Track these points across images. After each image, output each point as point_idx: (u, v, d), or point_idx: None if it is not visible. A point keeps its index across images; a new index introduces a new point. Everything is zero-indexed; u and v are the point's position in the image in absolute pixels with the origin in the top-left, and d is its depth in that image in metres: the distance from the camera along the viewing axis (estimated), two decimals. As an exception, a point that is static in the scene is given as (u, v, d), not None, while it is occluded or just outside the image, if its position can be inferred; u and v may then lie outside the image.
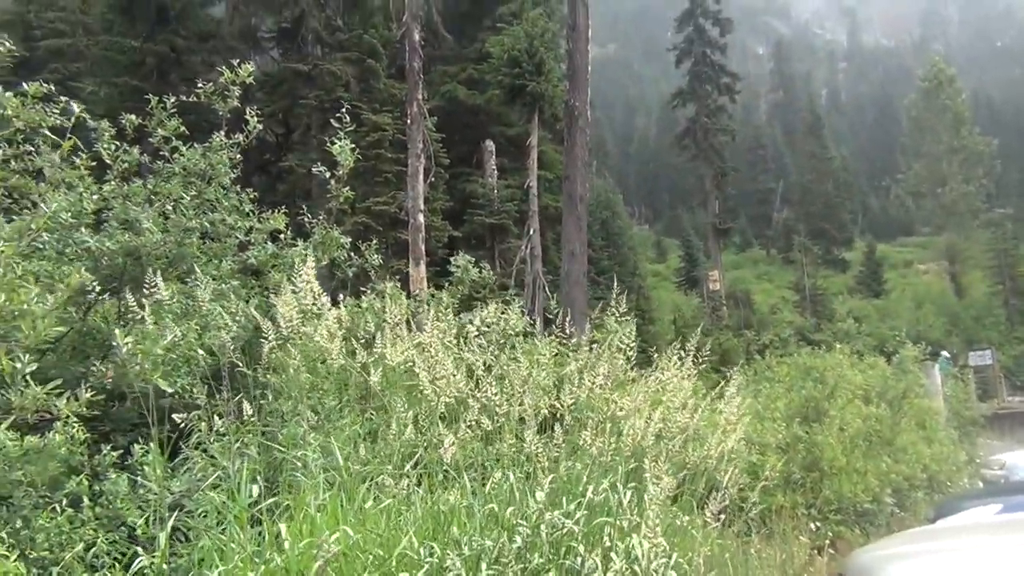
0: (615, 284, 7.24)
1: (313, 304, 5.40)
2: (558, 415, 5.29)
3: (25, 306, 2.79)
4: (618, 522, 4.30)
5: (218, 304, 6.00)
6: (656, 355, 6.57)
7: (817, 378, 11.93)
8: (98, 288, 5.13)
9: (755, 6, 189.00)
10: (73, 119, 6.41)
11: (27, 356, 2.92)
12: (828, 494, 9.10)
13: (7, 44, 6.00)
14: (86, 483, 4.27)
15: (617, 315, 6.70)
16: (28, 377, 3.03)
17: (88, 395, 3.45)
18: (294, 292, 5.47)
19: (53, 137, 6.27)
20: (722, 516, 4.86)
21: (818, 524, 8.68)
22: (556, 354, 7.02)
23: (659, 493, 4.30)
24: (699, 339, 6.22)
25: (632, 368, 6.36)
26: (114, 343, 3.97)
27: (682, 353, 6.15)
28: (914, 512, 10.48)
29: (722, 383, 6.79)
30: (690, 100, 55.37)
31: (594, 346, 6.07)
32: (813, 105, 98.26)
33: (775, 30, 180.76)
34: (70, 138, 6.41)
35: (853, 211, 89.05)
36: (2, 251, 2.95)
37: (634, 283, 44.42)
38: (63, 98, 6.45)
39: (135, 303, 4.98)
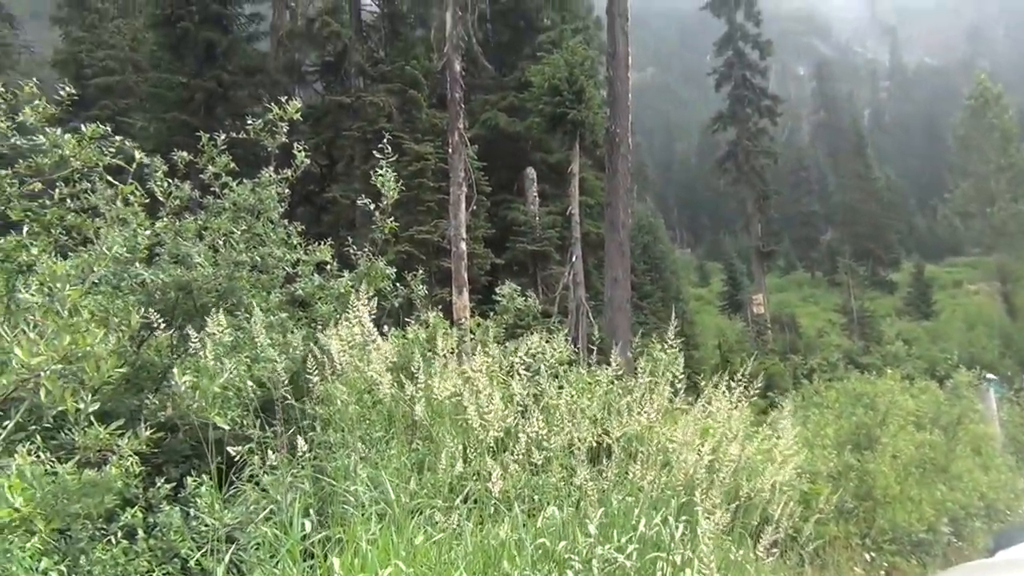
0: (659, 310, 7.16)
1: (363, 337, 5.44)
2: (606, 446, 5.25)
3: (89, 348, 2.86)
4: (671, 557, 4.25)
5: (267, 336, 6.08)
6: (701, 381, 6.51)
7: (868, 404, 11.69)
8: (160, 323, 5.23)
9: (795, 28, 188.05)
10: (126, 157, 6.57)
11: (90, 396, 2.99)
12: (882, 524, 8.87)
13: (68, 88, 6.18)
14: (140, 515, 4.32)
15: (664, 344, 6.64)
16: (92, 416, 3.11)
17: (148, 432, 3.52)
18: (348, 325, 5.52)
19: (110, 179, 6.43)
20: (775, 549, 4.79)
21: (873, 555, 8.48)
22: (603, 383, 6.98)
23: (712, 527, 4.24)
24: (745, 365, 6.15)
25: (679, 397, 6.30)
26: (172, 380, 4.05)
27: (729, 382, 6.08)
28: (971, 542, 10.18)
29: (771, 410, 6.70)
30: (731, 123, 55.03)
31: (641, 375, 6.02)
32: (856, 125, 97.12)
33: (816, 50, 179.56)
34: (131, 182, 6.56)
35: (900, 232, 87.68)
36: (68, 295, 3.03)
37: (677, 308, 44.07)
38: (118, 137, 6.61)
39: (195, 339, 5.08)
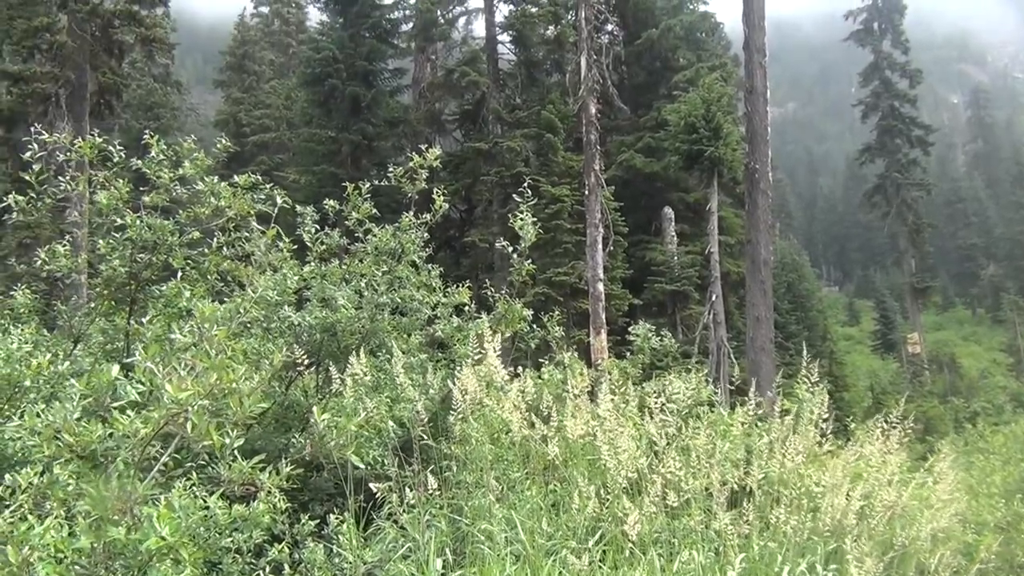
0: (804, 350, 6.89)
1: (492, 377, 5.48)
2: (747, 489, 5.06)
3: (233, 384, 3.00)
4: (818, 607, 4.02)
5: (407, 377, 6.21)
6: (852, 424, 6.19)
7: (1040, 449, 10.87)
8: (305, 361, 5.44)
9: (948, 55, 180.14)
10: (278, 206, 6.92)
11: (235, 431, 3.13)
12: (1058, 580, 8.14)
13: (224, 141, 6.57)
14: (287, 551, 4.45)
15: (808, 383, 6.36)
16: (236, 451, 3.24)
17: (288, 469, 3.64)
18: (475, 366, 5.58)
19: (260, 228, 6.77)
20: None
21: (1047, 614, 7.77)
22: (744, 424, 6.75)
23: (863, 576, 4.00)
24: (901, 407, 5.81)
25: (826, 439, 6.00)
26: (311, 419, 4.19)
27: (883, 424, 5.75)
28: None
29: (929, 456, 6.30)
30: (879, 155, 53.04)
31: (785, 416, 5.78)
32: (1018, 154, 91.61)
33: (971, 77, 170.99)
34: (274, 227, 6.90)
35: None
36: (216, 335, 3.20)
37: (824, 348, 42.49)
38: (267, 185, 6.97)
39: (337, 378, 5.25)
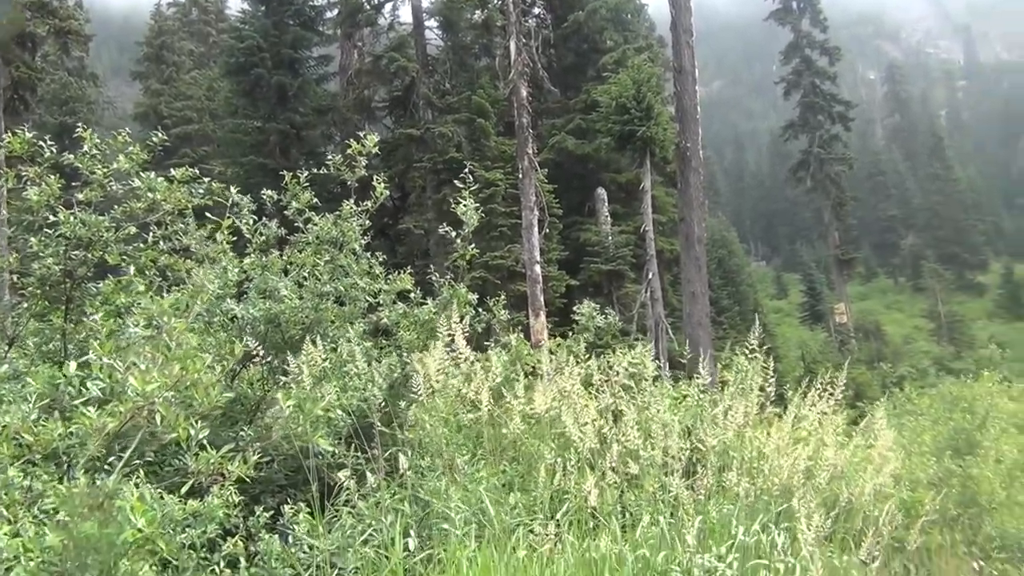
0: (737, 324, 7.06)
1: (461, 361, 5.55)
2: (696, 458, 5.21)
3: (197, 376, 3.00)
4: (773, 564, 4.18)
5: (357, 364, 6.23)
6: (790, 393, 6.41)
7: (965, 408, 11.32)
8: (260, 352, 5.41)
9: (864, 32, 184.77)
10: (215, 198, 6.83)
11: (199, 423, 3.13)
12: (989, 531, 8.55)
13: (160, 135, 6.48)
14: (241, 544, 4.43)
15: (748, 352, 6.57)
16: (204, 442, 3.24)
17: (255, 457, 3.64)
18: (447, 349, 5.64)
19: (210, 215, 6.69)
20: (877, 556, 4.67)
21: (981, 563, 8.17)
22: (689, 395, 6.94)
23: (813, 533, 4.17)
24: (831, 373, 6.04)
25: (770, 403, 6.21)
26: (274, 408, 4.18)
27: (818, 389, 5.97)
28: (1088, 547, 9.73)
29: (860, 421, 6.57)
30: (802, 132, 54.29)
31: (725, 386, 5.97)
32: (933, 126, 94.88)
33: (887, 53, 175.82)
34: (229, 218, 6.81)
35: (985, 232, 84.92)
36: (176, 327, 3.19)
37: (755, 320, 43.39)
38: (206, 179, 6.88)
39: (293, 366, 5.24)
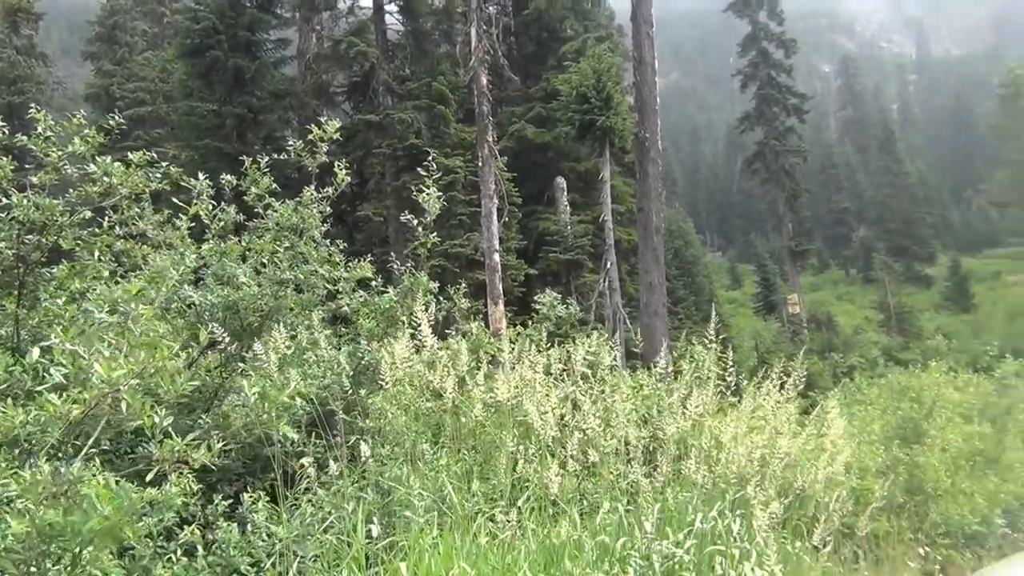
0: (693, 314, 7.18)
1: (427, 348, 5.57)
2: (655, 447, 5.30)
3: (163, 363, 2.98)
4: (729, 550, 4.29)
5: (315, 352, 6.22)
6: (745, 383, 6.54)
7: (913, 398, 11.62)
8: (224, 338, 5.36)
9: (819, 25, 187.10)
10: (173, 182, 6.75)
11: (163, 411, 3.12)
12: (935, 518, 8.81)
13: (116, 118, 6.37)
14: (199, 533, 4.41)
15: (706, 342, 6.67)
16: (170, 429, 3.23)
17: (220, 445, 3.63)
18: (414, 335, 5.65)
19: (177, 203, 6.60)
20: (829, 542, 4.81)
21: (926, 549, 8.41)
22: (647, 384, 7.04)
23: (767, 520, 4.28)
24: (786, 364, 6.17)
25: (728, 392, 6.32)
26: (239, 395, 4.16)
27: (773, 379, 6.10)
28: (1027, 533, 10.07)
29: (813, 410, 6.72)
30: (758, 124, 54.85)
31: (681, 376, 6.07)
32: (885, 120, 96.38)
33: (841, 46, 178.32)
34: (194, 204, 6.73)
35: (934, 225, 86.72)
36: (143, 314, 3.16)
37: (711, 311, 43.93)
38: (163, 163, 6.79)
39: (259, 352, 5.21)
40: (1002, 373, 15.08)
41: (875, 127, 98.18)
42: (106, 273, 4.82)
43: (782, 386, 6.04)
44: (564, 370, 6.21)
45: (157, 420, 3.09)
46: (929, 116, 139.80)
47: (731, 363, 6.28)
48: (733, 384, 6.26)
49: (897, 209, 79.86)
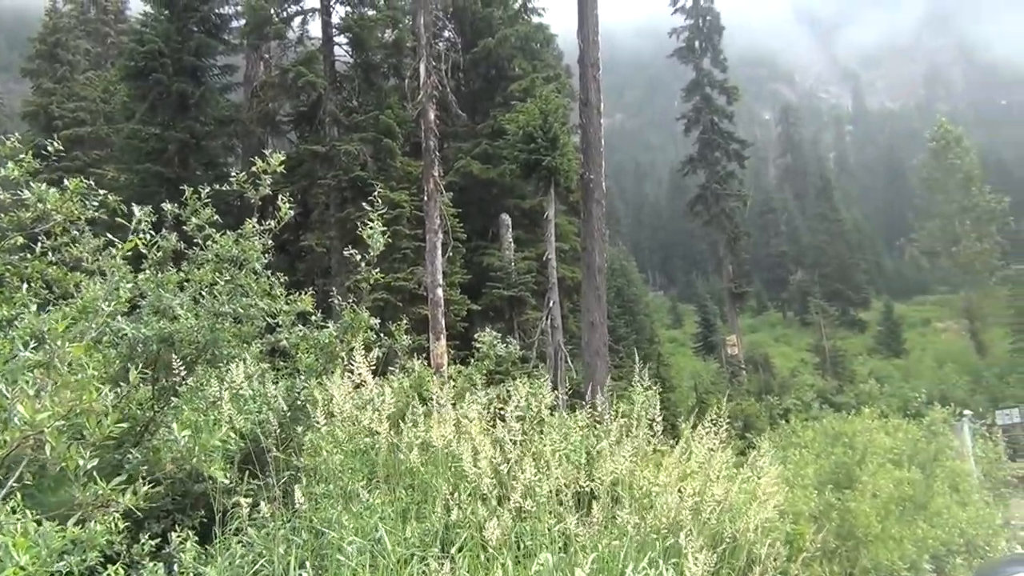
0: (635, 355, 7.26)
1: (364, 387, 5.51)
2: (589, 491, 5.30)
3: (89, 405, 2.90)
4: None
5: (249, 387, 6.11)
6: (682, 424, 6.59)
7: (846, 443, 11.85)
8: (150, 376, 5.24)
9: (760, 74, 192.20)
10: (110, 210, 6.61)
11: (88, 452, 3.02)
12: (865, 563, 8.95)
13: (56, 144, 6.25)
14: (123, 572, 4.26)
15: (642, 387, 6.70)
16: (95, 473, 3.12)
17: (145, 488, 3.52)
18: (351, 374, 5.59)
19: (121, 231, 6.45)
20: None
21: (856, 595, 8.54)
22: (583, 427, 7.04)
23: (699, 570, 4.29)
24: (721, 407, 6.24)
25: (658, 438, 6.36)
26: (168, 431, 4.06)
27: (708, 423, 6.16)
28: (953, 579, 10.29)
29: (749, 451, 6.79)
30: (700, 167, 55.93)
31: (619, 419, 6.09)
32: (822, 168, 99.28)
33: (781, 95, 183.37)
34: (133, 235, 6.58)
35: (868, 271, 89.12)
36: (71, 351, 3.07)
37: (652, 350, 44.37)
38: (102, 191, 6.66)
39: (183, 387, 5.09)
40: (930, 420, 15.45)
41: (813, 175, 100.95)
42: (33, 306, 4.66)
43: (716, 433, 6.10)
44: (501, 411, 6.19)
45: (81, 463, 2.99)
46: (864, 166, 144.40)
47: (663, 406, 6.33)
48: (668, 425, 6.32)
49: (833, 255, 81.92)
